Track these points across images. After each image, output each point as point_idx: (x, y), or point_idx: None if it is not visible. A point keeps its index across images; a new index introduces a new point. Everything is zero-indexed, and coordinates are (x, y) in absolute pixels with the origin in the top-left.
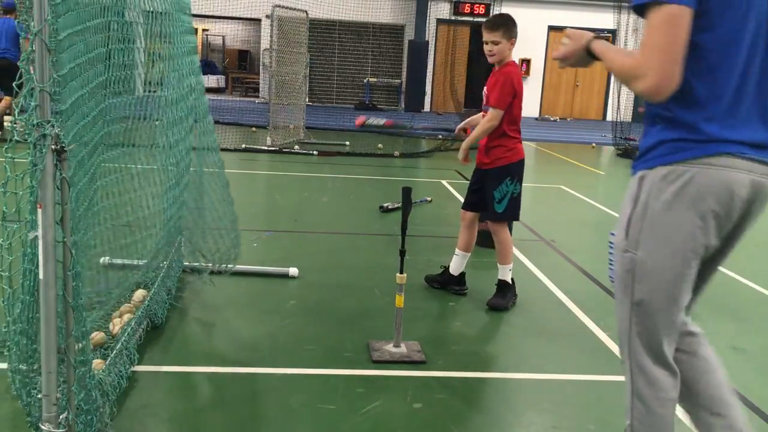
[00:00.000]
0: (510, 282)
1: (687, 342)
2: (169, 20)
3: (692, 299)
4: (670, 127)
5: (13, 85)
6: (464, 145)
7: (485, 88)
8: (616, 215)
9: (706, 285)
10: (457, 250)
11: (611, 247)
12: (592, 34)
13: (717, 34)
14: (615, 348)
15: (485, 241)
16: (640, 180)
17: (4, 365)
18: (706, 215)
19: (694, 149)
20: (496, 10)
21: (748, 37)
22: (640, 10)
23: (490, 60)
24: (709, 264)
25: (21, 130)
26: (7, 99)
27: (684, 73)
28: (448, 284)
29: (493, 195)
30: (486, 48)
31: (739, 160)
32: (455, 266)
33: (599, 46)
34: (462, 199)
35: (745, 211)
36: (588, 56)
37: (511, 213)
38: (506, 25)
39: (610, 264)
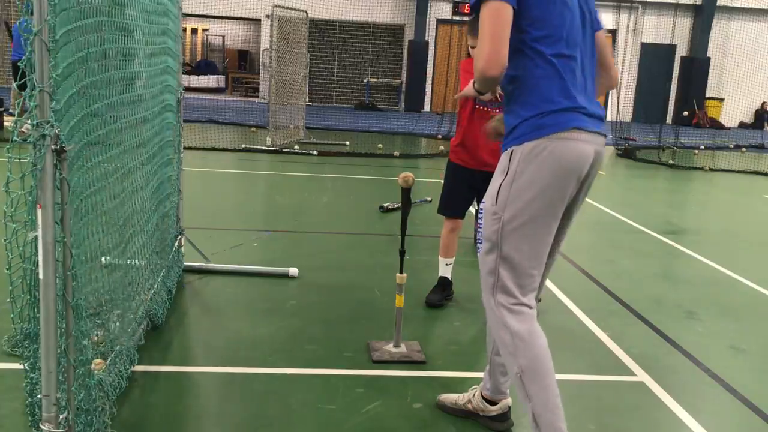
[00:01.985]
0: None
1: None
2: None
3: (550, 257)
4: (526, 107)
5: (15, 84)
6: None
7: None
8: (617, 215)
9: (559, 245)
10: (448, 259)
11: (481, 214)
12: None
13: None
14: (616, 348)
15: None
16: (511, 155)
17: (3, 365)
18: (563, 181)
19: (551, 126)
20: None
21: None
22: (477, 7)
23: None
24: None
25: (25, 132)
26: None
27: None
28: (449, 293)
29: None
30: (474, 52)
31: (584, 133)
32: (449, 273)
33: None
34: None
35: (588, 174)
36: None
37: None
38: None
39: (478, 229)
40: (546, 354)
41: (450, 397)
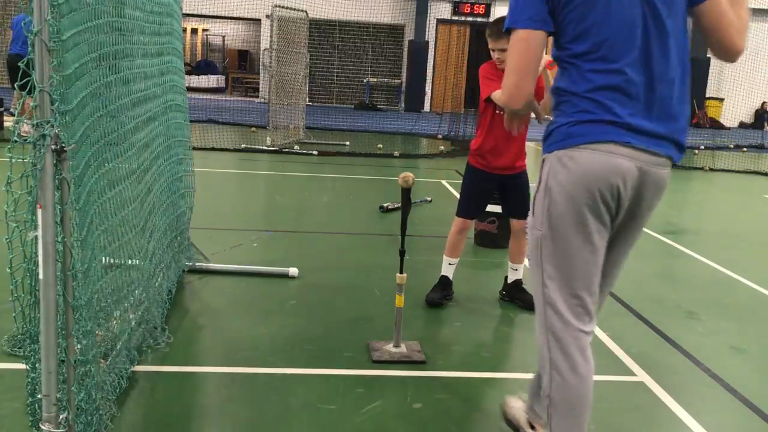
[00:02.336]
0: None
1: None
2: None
3: (603, 285)
4: (563, 115)
5: (16, 84)
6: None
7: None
8: None
9: (616, 270)
10: (453, 259)
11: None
12: None
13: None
14: (616, 348)
15: (484, 240)
16: (543, 163)
17: (3, 365)
18: (591, 192)
19: (581, 136)
20: (496, 11)
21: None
22: (507, 33)
23: (501, 67)
24: (610, 249)
25: (25, 134)
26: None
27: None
28: (449, 292)
29: (529, 195)
30: (495, 56)
31: (623, 148)
32: (451, 272)
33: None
34: None
35: (633, 195)
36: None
37: None
38: None
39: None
40: (583, 398)
41: (513, 409)
